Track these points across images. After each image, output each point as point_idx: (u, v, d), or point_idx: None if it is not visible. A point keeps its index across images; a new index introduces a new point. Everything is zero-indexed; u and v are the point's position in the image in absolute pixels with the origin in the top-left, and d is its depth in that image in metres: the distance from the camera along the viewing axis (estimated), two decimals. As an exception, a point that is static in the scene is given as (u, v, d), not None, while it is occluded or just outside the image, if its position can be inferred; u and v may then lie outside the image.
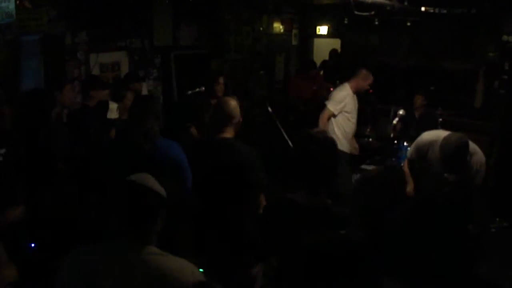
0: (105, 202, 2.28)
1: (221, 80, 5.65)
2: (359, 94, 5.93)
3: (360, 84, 5.76)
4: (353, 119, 5.85)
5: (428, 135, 4.59)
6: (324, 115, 5.68)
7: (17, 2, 4.81)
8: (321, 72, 8.72)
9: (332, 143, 2.40)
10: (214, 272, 2.35)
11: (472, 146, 4.23)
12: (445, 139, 4.02)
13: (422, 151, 4.56)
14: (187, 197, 3.27)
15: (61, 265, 2.11)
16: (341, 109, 5.69)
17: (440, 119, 6.30)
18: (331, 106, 5.68)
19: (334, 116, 5.70)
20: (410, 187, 4.70)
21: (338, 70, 8.60)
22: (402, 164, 5.02)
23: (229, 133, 3.38)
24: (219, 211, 3.09)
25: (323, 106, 5.79)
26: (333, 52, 9.40)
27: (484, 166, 4.40)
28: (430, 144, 4.47)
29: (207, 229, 3.16)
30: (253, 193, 3.18)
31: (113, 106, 4.93)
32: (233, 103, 3.42)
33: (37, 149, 3.80)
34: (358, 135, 6.54)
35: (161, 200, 2.14)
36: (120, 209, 2.12)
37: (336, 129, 5.68)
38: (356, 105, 5.89)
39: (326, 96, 6.16)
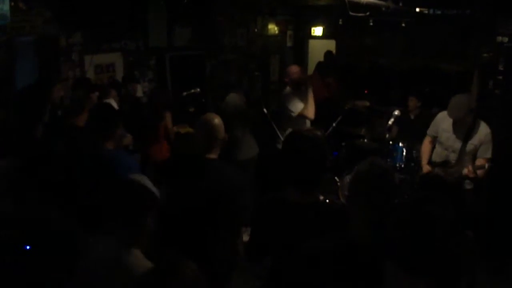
0: (99, 198, 2.29)
1: None
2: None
3: None
4: None
5: (442, 113, 4.90)
6: None
7: (12, 3, 4.78)
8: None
9: (321, 140, 2.40)
10: None
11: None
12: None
13: (436, 125, 4.95)
14: None
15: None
16: None
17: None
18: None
19: None
20: (425, 167, 4.95)
21: (332, 71, 8.60)
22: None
23: (213, 153, 3.12)
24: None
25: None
26: (327, 53, 9.40)
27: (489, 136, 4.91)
28: (442, 118, 4.83)
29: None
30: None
31: None
32: (216, 120, 3.14)
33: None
34: (353, 135, 6.54)
35: (156, 201, 2.19)
36: (117, 206, 2.12)
37: None
38: None
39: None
